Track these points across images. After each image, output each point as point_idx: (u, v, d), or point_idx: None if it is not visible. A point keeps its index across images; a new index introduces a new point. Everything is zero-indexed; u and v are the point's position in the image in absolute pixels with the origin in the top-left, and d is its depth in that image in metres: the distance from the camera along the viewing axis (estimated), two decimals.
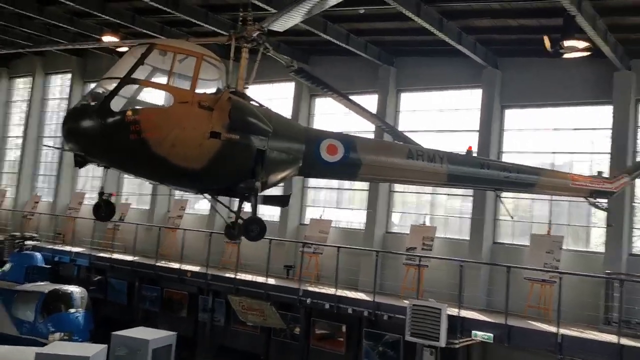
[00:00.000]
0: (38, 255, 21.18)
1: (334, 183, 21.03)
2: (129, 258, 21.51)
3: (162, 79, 7.91)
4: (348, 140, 9.11)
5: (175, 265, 20.28)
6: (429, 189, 18.97)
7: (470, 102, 18.52)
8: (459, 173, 9.70)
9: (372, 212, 19.20)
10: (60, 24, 20.35)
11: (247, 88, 8.71)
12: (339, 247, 17.14)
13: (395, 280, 17.45)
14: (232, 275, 18.51)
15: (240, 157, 7.95)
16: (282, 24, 8.08)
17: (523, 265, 15.94)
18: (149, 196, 24.83)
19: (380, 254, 18.65)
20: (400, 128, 19.58)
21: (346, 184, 20.74)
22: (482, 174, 9.83)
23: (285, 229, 20.91)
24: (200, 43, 8.72)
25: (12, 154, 31.47)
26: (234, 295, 17.91)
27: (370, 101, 20.01)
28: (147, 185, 25.84)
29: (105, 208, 8.23)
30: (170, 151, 7.49)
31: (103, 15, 18.62)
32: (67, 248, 23.04)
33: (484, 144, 17.44)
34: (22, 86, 31.50)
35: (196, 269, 19.82)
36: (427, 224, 18.51)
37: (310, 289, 17.21)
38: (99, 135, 7.42)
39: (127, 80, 7.65)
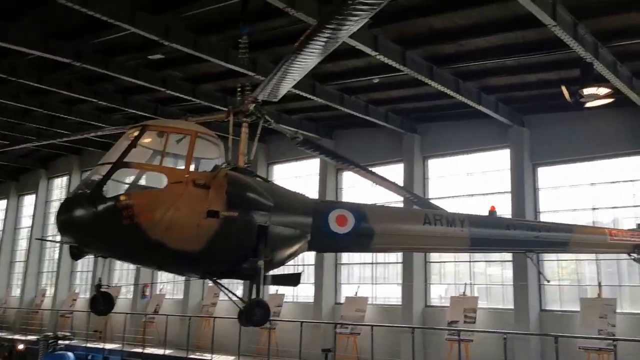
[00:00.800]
0: (70, 355, 20.84)
1: (368, 258, 20.26)
2: (160, 352, 20.81)
3: (158, 161, 7.67)
4: (358, 210, 8.55)
5: (208, 356, 19.47)
6: (465, 256, 18.05)
7: (499, 163, 17.84)
8: (483, 236, 8.96)
9: (409, 286, 18.25)
10: (90, 121, 20.95)
11: (249, 164, 8.40)
12: (372, 326, 16.17)
13: (439, 358, 16.24)
14: None
15: (240, 236, 7.47)
16: (273, 92, 7.83)
17: (575, 333, 14.63)
18: (182, 285, 24.44)
19: (419, 330, 17.69)
20: (429, 195, 19.10)
21: (380, 258, 19.95)
22: (509, 235, 9.06)
23: (320, 310, 20.04)
24: (200, 122, 8.53)
25: (52, 253, 31.91)
26: None
27: (396, 170, 19.62)
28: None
29: (103, 301, 7.79)
30: (166, 234, 7.07)
31: (127, 109, 19.11)
32: (100, 345, 22.57)
33: (518, 204, 16.58)
34: (60, 185, 32.40)
35: (230, 359, 18.95)
36: (468, 294, 17.41)
37: None
38: (91, 223, 7.08)
39: (119, 164, 7.39)
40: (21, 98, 18.87)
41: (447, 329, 16.10)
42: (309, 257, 21.30)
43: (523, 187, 16.74)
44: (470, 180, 18.48)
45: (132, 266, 26.00)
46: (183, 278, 22.97)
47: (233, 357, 18.85)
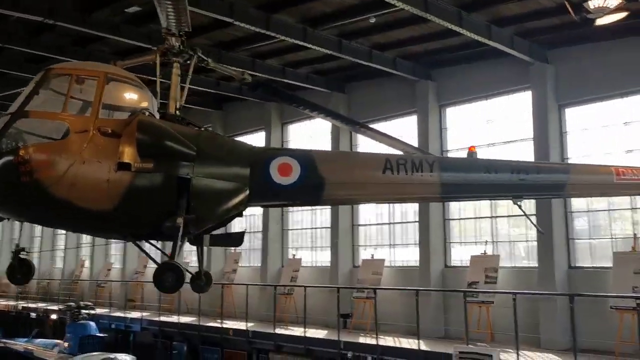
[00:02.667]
0: (92, 324, 20.79)
1: (385, 217, 18.98)
2: (174, 319, 20.35)
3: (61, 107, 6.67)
4: (305, 156, 7.28)
5: (228, 323, 18.82)
6: (487, 211, 16.49)
7: (522, 106, 16.01)
8: (457, 181, 7.53)
9: (426, 246, 16.89)
10: None
11: (179, 109, 7.31)
12: (375, 289, 15.06)
13: (460, 321, 14.91)
14: (272, 331, 16.77)
15: (156, 190, 6.41)
16: (184, 20, 6.66)
17: (607, 292, 13.00)
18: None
19: (439, 293, 16.40)
20: (447, 147, 17.54)
21: (397, 217, 18.63)
22: (488, 179, 7.55)
23: (337, 274, 18.98)
24: (127, 66, 7.49)
25: None
26: (275, 353, 16.16)
27: (411, 122, 18.11)
28: None
29: (19, 269, 6.96)
30: (72, 192, 6.12)
31: None
32: (121, 314, 22.45)
33: (541, 151, 14.78)
34: None
35: (247, 325, 18.21)
36: (489, 252, 15.89)
37: (361, 340, 15.17)
38: None
39: (17, 114, 6.48)
40: None
41: (464, 291, 14.67)
42: (325, 219, 20.26)
43: (547, 131, 14.88)
44: (490, 127, 16.75)
45: None
46: None
47: (252, 324, 18.14)
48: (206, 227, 6.92)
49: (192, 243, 7.49)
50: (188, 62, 7.45)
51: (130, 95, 7.08)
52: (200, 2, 12.37)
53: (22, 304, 28.17)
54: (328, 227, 19.85)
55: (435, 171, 7.43)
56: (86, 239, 32.03)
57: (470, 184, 7.57)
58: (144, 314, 22.02)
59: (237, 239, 7.74)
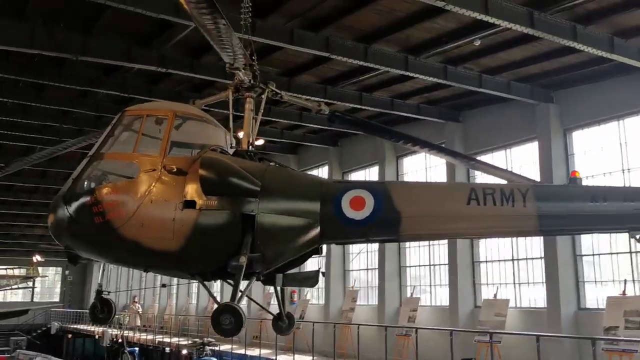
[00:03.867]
0: None
1: (507, 253, 17.49)
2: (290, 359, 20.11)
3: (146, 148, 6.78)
4: (378, 188, 6.71)
5: None
6: (624, 244, 14.52)
7: None
8: (557, 212, 6.51)
9: (554, 285, 15.21)
10: None
11: (252, 144, 7.14)
12: (493, 333, 13.62)
13: None
14: None
15: (221, 228, 6.21)
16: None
17: None
18: (323, 290, 23.68)
19: (571, 340, 14.60)
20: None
21: (522, 253, 17.08)
22: (596, 209, 6.44)
23: (457, 314, 17.74)
24: (204, 107, 7.53)
25: None
26: None
27: (532, 150, 16.70)
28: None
29: (101, 308, 7.09)
30: (141, 232, 6.14)
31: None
32: (241, 351, 22.69)
33: None
34: None
35: None
36: (629, 293, 13.88)
37: None
38: (66, 223, 6.48)
39: (95, 156, 6.72)
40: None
41: (598, 338, 12.84)
42: (443, 254, 19.15)
43: None
44: (626, 151, 14.87)
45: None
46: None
47: None
48: (274, 265, 6.54)
49: (264, 283, 7.18)
50: (262, 96, 7.32)
51: (201, 133, 7.05)
52: (294, 39, 12.38)
53: (159, 338, 29.73)
54: (446, 264, 18.74)
55: (529, 201, 6.48)
56: None
57: (574, 215, 6.49)
58: (264, 351, 22.14)
59: (311, 278, 7.25)
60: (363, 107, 17.59)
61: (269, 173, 6.60)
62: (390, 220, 6.47)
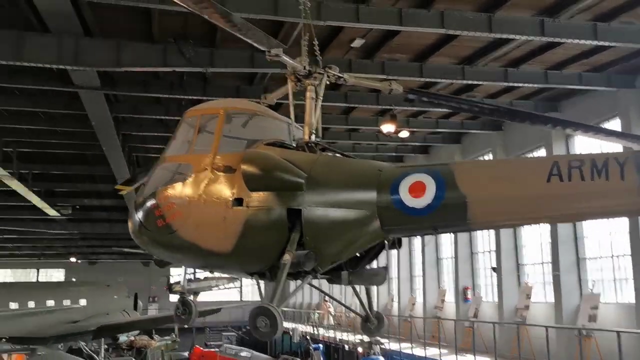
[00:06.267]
0: (380, 359, 20.92)
1: None
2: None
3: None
4: (440, 170, 5.82)
5: None
6: None
7: None
8: None
9: None
10: None
11: (314, 133, 6.73)
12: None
13: None
14: None
15: (268, 225, 5.92)
16: None
17: None
18: (496, 286, 22.01)
19: None
20: None
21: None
22: None
23: None
24: (265, 103, 7.35)
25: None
26: None
27: None
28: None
29: (182, 308, 7.25)
30: (197, 234, 6.16)
31: None
32: (409, 351, 21.99)
33: None
34: None
35: None
36: None
37: None
38: (137, 228, 6.76)
39: (160, 160, 6.93)
40: None
41: None
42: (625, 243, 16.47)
43: None
44: None
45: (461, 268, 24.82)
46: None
47: None
48: (331, 263, 6.02)
49: (329, 282, 6.71)
50: (321, 82, 6.88)
51: (256, 127, 6.81)
52: (403, 20, 11.53)
53: (339, 336, 30.36)
54: (629, 255, 16.11)
55: (629, 173, 5.13)
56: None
57: None
58: (443, 351, 21.15)
59: (379, 275, 6.55)
60: (512, 84, 15.96)
61: (319, 163, 6.10)
62: (455, 206, 5.56)
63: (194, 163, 6.36)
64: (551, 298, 19.18)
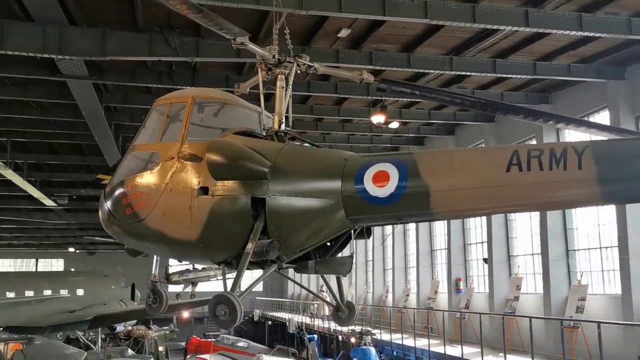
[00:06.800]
0: (371, 350, 21.08)
1: None
2: (458, 351, 18.85)
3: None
4: (403, 160, 5.82)
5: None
6: None
7: None
8: (624, 175, 5.04)
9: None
10: None
11: (283, 123, 6.73)
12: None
13: None
14: None
15: (232, 213, 5.94)
16: None
17: None
18: (487, 278, 22.06)
19: None
20: None
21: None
22: None
23: (630, 305, 15.11)
24: (239, 92, 7.36)
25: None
26: None
27: None
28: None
29: (153, 297, 7.27)
30: (163, 222, 6.19)
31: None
32: (400, 342, 22.05)
33: None
34: None
35: None
36: None
37: None
38: (107, 216, 6.78)
39: (130, 149, 6.96)
40: None
41: None
42: (611, 236, 16.49)
43: None
44: None
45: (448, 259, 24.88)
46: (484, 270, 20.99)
47: None
48: (295, 252, 6.02)
49: (297, 271, 6.72)
50: (291, 71, 6.87)
51: (225, 116, 6.81)
52: (387, 10, 11.47)
53: (333, 326, 30.45)
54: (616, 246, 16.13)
55: (586, 163, 5.15)
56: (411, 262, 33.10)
57: None
58: (433, 341, 21.20)
59: (345, 265, 6.57)
60: (501, 75, 15.94)
61: (284, 152, 6.10)
62: (417, 195, 5.58)
63: (161, 152, 6.38)
64: (541, 289, 19.22)
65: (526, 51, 14.96)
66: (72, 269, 50.54)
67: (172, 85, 16.15)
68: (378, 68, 14.66)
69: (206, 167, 5.92)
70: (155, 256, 7.52)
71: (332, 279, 7.15)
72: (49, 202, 30.51)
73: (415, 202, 5.62)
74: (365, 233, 6.44)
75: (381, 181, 5.73)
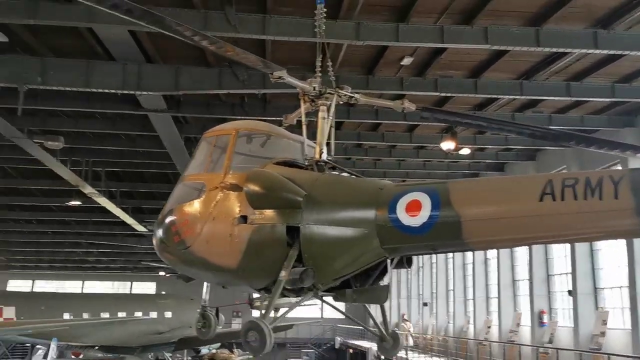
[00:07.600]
0: None
1: None
2: None
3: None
4: (436, 189, 5.78)
5: None
6: None
7: None
8: None
9: None
10: None
11: (323, 153, 6.90)
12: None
13: None
14: None
15: (268, 241, 6.15)
16: None
17: None
18: (571, 310, 20.86)
19: None
20: None
21: None
22: None
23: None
24: (287, 123, 7.65)
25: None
26: None
27: None
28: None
29: (203, 321, 7.57)
30: (207, 249, 6.52)
31: None
32: None
33: None
34: None
35: None
36: None
37: None
38: (159, 244, 7.20)
39: (180, 179, 7.40)
40: None
41: None
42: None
43: None
44: None
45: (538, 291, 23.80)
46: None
47: None
48: (330, 280, 6.11)
49: (335, 299, 6.77)
50: (332, 102, 7.06)
51: (268, 147, 7.05)
52: (444, 37, 11.42)
53: (415, 357, 29.86)
54: None
55: (622, 192, 4.92)
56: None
57: None
58: None
59: (379, 293, 6.53)
60: (576, 99, 15.33)
61: (320, 182, 6.26)
62: (448, 225, 5.52)
63: (207, 182, 6.69)
64: (629, 324, 17.94)
65: (602, 73, 14.29)
66: (163, 292, 52.78)
67: (245, 115, 16.75)
68: (444, 94, 14.54)
69: (244, 197, 6.16)
70: (204, 282, 7.84)
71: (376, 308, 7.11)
72: (140, 228, 32.24)
73: (447, 231, 5.54)
74: (406, 262, 6.43)
75: (414, 210, 5.70)
